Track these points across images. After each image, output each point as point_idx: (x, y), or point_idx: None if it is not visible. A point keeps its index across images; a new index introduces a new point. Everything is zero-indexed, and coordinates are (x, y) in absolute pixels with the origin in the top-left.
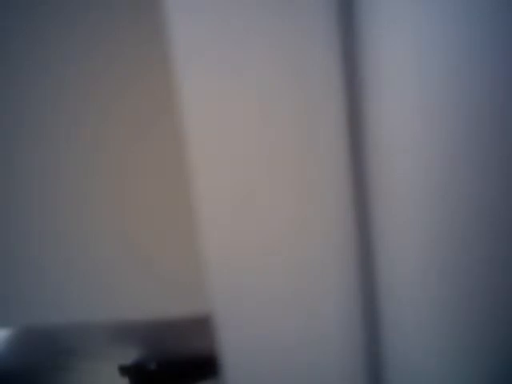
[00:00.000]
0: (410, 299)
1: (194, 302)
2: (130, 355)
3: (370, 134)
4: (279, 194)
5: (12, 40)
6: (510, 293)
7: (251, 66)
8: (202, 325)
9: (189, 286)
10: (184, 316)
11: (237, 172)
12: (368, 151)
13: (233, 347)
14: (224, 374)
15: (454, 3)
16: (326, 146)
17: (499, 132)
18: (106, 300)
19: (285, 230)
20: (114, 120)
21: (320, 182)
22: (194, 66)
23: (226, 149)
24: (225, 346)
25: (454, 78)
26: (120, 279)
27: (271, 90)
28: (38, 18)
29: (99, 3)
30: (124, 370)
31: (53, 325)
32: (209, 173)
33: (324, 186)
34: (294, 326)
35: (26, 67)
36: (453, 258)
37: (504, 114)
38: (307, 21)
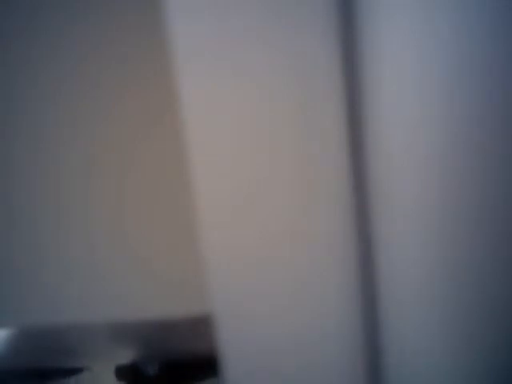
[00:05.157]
0: (410, 299)
1: (194, 301)
2: (130, 355)
3: (370, 134)
4: (279, 194)
5: (12, 40)
6: (511, 293)
7: (251, 65)
8: (201, 325)
9: (189, 286)
10: (184, 316)
11: (237, 172)
12: (368, 151)
13: (233, 347)
14: (224, 374)
15: (454, 3)
16: (326, 146)
17: (499, 132)
18: (106, 300)
19: (285, 229)
20: (114, 120)
21: (320, 182)
22: (194, 66)
23: (226, 149)
24: (225, 346)
25: (454, 77)
26: (120, 279)
27: (271, 89)
28: (38, 18)
29: (99, 3)
30: (120, 372)
31: (53, 325)
32: (209, 173)
33: (324, 187)
34: (294, 325)
35: (26, 67)
36: (453, 258)
37: (504, 114)
38: (307, 21)
